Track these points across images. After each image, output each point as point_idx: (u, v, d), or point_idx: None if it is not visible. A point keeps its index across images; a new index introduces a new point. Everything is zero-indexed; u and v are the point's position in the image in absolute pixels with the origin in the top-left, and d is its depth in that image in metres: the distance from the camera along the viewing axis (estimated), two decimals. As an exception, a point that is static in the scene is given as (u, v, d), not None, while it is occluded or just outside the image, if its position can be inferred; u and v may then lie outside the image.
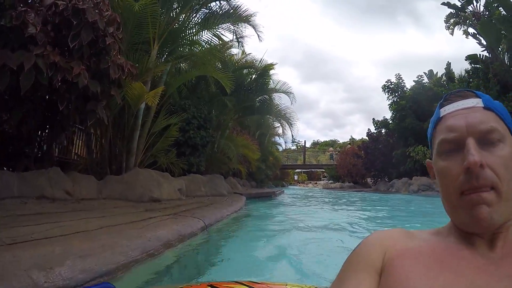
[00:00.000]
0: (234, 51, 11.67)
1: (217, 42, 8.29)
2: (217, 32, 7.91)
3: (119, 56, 4.47)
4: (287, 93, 14.01)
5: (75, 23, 3.77)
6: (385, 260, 0.59)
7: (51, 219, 2.91)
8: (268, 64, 12.42)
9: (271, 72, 12.78)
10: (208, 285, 0.82)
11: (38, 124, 4.80)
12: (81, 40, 3.83)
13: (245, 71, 12.28)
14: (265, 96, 13.32)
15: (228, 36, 10.36)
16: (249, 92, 11.94)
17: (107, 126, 6.04)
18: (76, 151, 6.87)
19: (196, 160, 7.92)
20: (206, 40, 7.92)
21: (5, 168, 4.38)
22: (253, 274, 2.62)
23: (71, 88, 3.96)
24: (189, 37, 7.28)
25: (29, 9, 3.54)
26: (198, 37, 7.58)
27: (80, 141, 6.88)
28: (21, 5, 3.59)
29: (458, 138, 0.55)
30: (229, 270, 2.65)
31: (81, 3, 3.86)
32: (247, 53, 12.89)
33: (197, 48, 7.69)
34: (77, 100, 4.22)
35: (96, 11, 4.02)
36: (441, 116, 0.60)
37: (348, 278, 0.59)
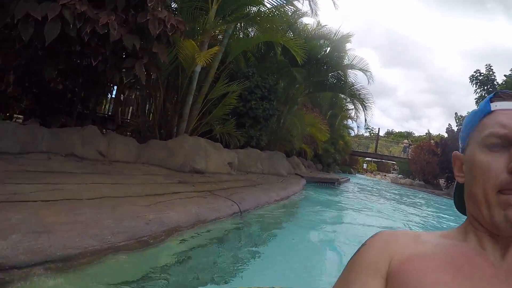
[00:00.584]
0: (307, 21, 10.46)
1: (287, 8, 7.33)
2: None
3: (159, 9, 3.87)
4: (364, 70, 12.25)
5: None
6: (392, 265, 0.56)
7: (56, 179, 2.45)
8: (345, 35, 10.90)
9: (347, 46, 11.26)
10: None
11: (81, 81, 4.56)
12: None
13: (320, 42, 10.98)
14: (339, 72, 11.85)
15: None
16: (322, 66, 10.68)
17: (158, 88, 5.67)
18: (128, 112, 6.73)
19: (256, 134, 7.22)
20: (276, 3, 7.01)
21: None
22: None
23: (104, 42, 3.54)
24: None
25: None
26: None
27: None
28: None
29: (509, 135, 0.53)
30: (250, 279, 1.87)
31: None
32: (322, 24, 11.54)
33: (263, 9, 6.80)
34: (113, 55, 3.80)
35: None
36: (492, 110, 0.57)
37: (351, 281, 0.57)
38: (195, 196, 2.89)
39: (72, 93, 4.72)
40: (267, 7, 6.83)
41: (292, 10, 8.25)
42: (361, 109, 15.63)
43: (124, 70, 3.90)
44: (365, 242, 0.63)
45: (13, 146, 3.29)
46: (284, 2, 6.99)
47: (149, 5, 3.66)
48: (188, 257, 1.94)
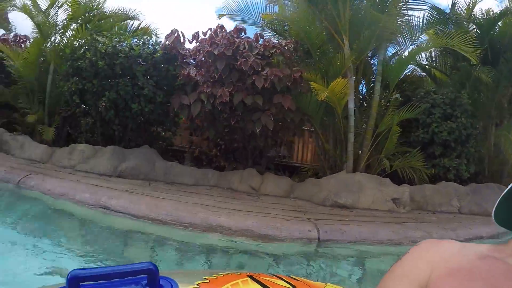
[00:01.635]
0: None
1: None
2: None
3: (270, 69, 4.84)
4: None
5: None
6: (433, 277, 0.54)
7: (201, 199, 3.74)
8: None
9: None
10: (248, 275, 0.84)
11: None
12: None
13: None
14: None
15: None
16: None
17: (315, 132, 6.04)
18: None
19: (452, 163, 5.73)
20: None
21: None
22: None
23: (231, 106, 4.84)
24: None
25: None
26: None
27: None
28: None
29: None
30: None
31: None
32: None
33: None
34: (247, 113, 4.88)
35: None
36: None
37: None
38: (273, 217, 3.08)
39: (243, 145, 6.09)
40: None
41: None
42: None
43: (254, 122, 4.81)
44: (409, 249, 0.62)
45: (189, 180, 4.94)
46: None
47: (259, 69, 4.56)
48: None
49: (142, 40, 5.66)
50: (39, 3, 6.16)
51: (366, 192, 4.74)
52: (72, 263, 2.27)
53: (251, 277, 0.83)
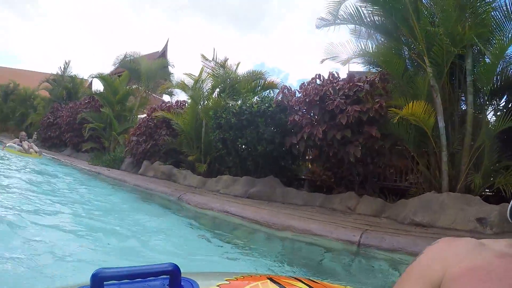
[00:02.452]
0: None
1: None
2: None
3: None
4: None
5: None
6: (446, 278, 0.53)
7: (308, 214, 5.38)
8: None
9: None
10: (268, 278, 0.85)
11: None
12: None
13: None
14: None
15: None
16: None
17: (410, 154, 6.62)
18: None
19: None
20: None
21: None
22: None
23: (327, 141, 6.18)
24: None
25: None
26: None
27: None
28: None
29: None
30: None
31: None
32: None
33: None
34: (340, 145, 6.26)
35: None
36: None
37: None
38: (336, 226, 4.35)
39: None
40: None
41: None
42: None
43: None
44: (424, 249, 0.62)
45: (300, 201, 6.51)
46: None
47: (344, 108, 5.78)
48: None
49: (261, 99, 7.68)
50: (187, 83, 9.10)
51: (447, 211, 5.07)
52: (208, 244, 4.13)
53: (271, 279, 0.84)
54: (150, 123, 10.48)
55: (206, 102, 9.20)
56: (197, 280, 0.76)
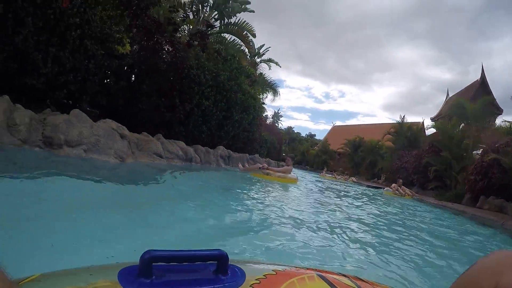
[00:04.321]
0: None
1: None
2: None
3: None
4: None
5: None
6: None
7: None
8: None
9: None
10: (316, 272, 0.84)
11: None
12: None
13: None
14: None
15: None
16: None
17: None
18: None
19: None
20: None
21: None
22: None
23: None
24: None
25: None
26: None
27: None
28: None
29: None
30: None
31: None
32: None
33: None
34: None
35: None
36: None
37: None
38: None
39: None
40: None
41: None
42: None
43: None
44: (477, 261, 0.59)
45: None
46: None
47: None
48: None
49: None
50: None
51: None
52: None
53: (318, 274, 0.82)
54: (483, 163, 12.27)
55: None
56: (244, 269, 0.75)
